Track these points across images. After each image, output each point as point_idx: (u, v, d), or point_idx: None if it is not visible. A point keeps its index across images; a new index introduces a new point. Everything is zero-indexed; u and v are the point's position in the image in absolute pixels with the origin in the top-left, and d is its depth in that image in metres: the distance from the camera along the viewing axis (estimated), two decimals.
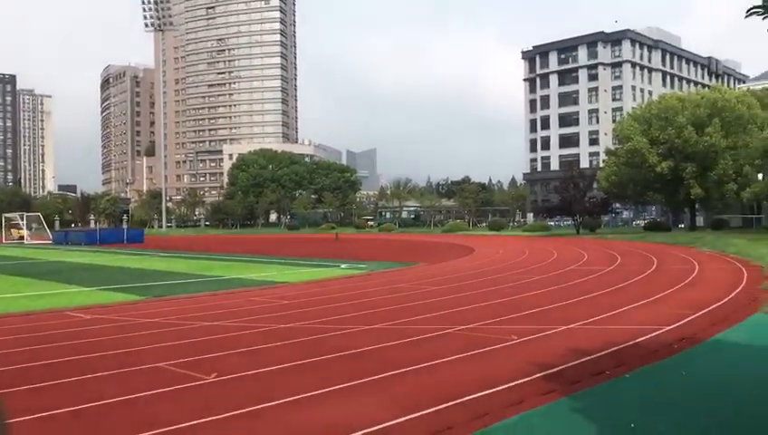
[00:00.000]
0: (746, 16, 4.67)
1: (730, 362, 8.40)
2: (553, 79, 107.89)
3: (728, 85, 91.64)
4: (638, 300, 13.89)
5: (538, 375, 7.55)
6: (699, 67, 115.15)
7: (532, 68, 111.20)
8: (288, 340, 10.32)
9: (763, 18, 4.62)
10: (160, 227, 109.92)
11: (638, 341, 9.52)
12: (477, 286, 17.49)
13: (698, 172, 45.54)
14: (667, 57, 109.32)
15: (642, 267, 22.26)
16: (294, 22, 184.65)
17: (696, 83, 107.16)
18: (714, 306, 12.78)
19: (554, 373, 7.66)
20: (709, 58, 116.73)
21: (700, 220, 56.49)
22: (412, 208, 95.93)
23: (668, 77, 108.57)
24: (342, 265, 26.53)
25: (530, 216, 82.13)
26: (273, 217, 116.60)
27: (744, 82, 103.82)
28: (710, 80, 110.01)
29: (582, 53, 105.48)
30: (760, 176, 33.06)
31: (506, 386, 7.11)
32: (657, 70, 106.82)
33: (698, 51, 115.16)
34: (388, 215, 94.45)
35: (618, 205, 60.05)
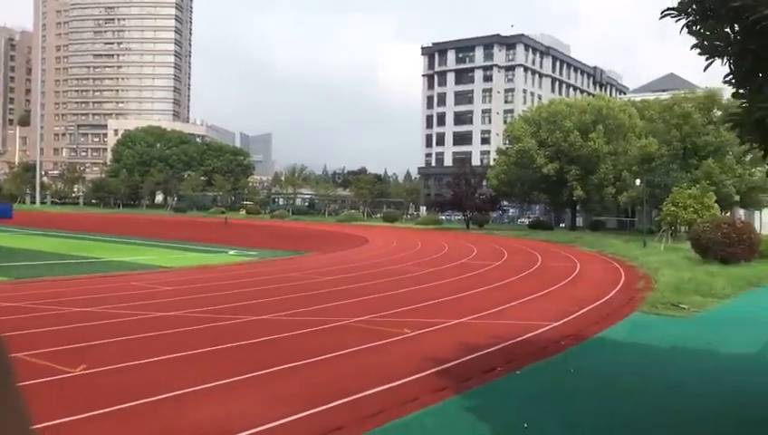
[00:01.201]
0: (661, 17, 4.60)
1: (613, 359, 8.62)
2: (451, 77, 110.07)
3: (610, 95, 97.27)
4: (525, 295, 14.19)
5: (431, 371, 7.37)
6: (586, 76, 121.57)
7: (431, 64, 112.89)
8: (169, 329, 9.59)
9: (676, 21, 4.57)
10: (33, 202, 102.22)
11: (527, 336, 9.61)
12: (371, 277, 17.29)
13: (581, 175, 47.99)
14: (557, 64, 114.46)
15: (528, 263, 22.98)
16: None
17: (582, 91, 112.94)
18: (596, 304, 13.26)
19: (447, 369, 7.51)
20: (595, 68, 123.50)
21: (579, 221, 59.66)
22: (307, 196, 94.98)
23: (557, 83, 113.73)
24: (231, 252, 25.57)
25: (423, 209, 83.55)
26: (159, 198, 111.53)
27: (624, 93, 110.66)
28: (595, 89, 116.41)
29: (479, 54, 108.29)
30: (638, 181, 35.22)
31: (400, 382, 6.86)
32: (547, 75, 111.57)
33: (585, 60, 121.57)
34: (281, 201, 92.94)
35: (505, 202, 62.23)
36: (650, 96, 66.47)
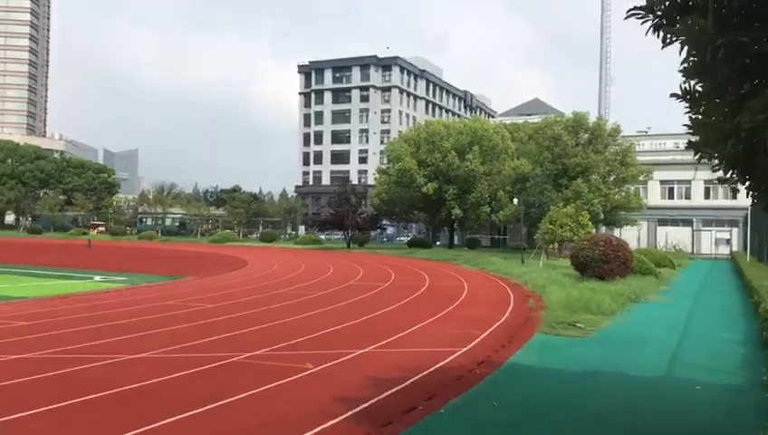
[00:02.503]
0: (626, 18, 4.12)
1: (532, 388, 8.16)
2: (328, 96, 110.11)
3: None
4: (423, 318, 13.64)
5: (346, 415, 6.49)
6: (457, 99, 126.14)
7: (308, 83, 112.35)
8: (20, 377, 7.99)
9: (642, 22, 4.10)
10: None
11: (439, 366, 8.98)
12: (258, 304, 16.06)
13: (459, 194, 49.06)
14: (431, 87, 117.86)
15: (417, 283, 22.64)
16: (49, 3, 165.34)
17: (454, 114, 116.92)
18: (495, 325, 12.96)
19: (363, 411, 6.67)
20: (465, 92, 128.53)
21: (455, 239, 61.04)
22: (177, 216, 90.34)
23: (431, 105, 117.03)
24: (97, 277, 23.24)
25: (301, 228, 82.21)
26: (9, 218, 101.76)
27: (492, 117, 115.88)
28: (465, 112, 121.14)
29: (356, 75, 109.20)
30: (515, 200, 36.43)
31: (314, 433, 5.92)
32: (421, 97, 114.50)
33: (457, 84, 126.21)
34: (149, 221, 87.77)
35: (386, 221, 62.46)
36: (519, 120, 69.91)
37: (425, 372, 8.52)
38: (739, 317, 15.27)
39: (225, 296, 17.69)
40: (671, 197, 62.94)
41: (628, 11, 4.11)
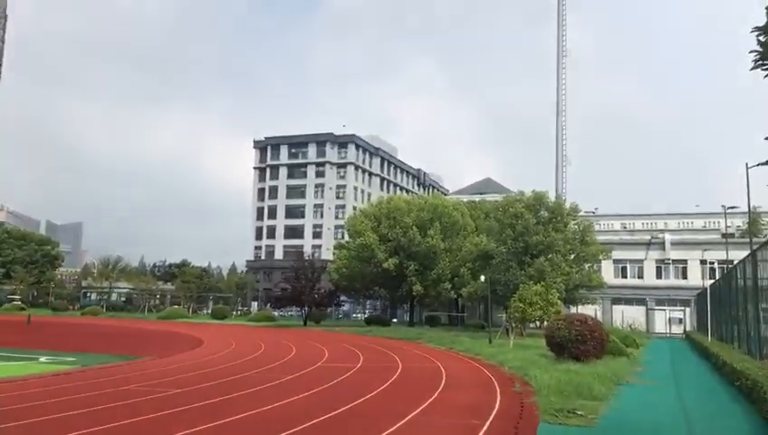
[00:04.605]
0: (752, 69, 3.66)
1: None
2: (283, 171, 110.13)
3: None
4: (414, 405, 12.64)
5: None
6: (411, 177, 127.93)
7: (263, 158, 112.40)
8: None
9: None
10: None
11: None
12: (228, 388, 14.70)
13: (420, 270, 48.58)
14: (386, 164, 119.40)
15: (389, 364, 21.58)
16: None
17: (407, 191, 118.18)
18: (493, 414, 12.07)
19: None
20: (419, 170, 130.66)
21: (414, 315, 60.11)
22: (123, 290, 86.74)
23: (386, 182, 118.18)
24: (42, 359, 21.30)
25: (254, 304, 79.88)
26: None
27: (446, 195, 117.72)
28: (419, 189, 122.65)
29: (312, 151, 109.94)
30: (482, 278, 36.11)
31: None
32: (376, 174, 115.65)
33: (410, 162, 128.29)
34: (93, 296, 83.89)
35: (344, 297, 61.19)
36: (473, 198, 70.89)
37: None
38: (730, 403, 14.77)
39: (192, 380, 16.24)
40: (624, 276, 63.95)
41: (754, 64, 3.66)
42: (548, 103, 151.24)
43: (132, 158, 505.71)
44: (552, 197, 45.30)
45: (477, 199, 66.08)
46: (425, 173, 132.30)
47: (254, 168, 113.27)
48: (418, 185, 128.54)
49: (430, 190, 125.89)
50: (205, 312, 75.50)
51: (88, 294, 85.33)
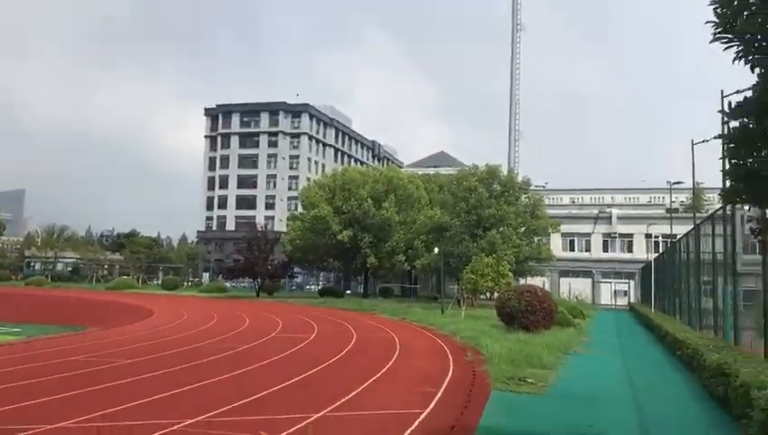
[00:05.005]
0: (711, 42, 3.72)
1: None
2: (235, 140, 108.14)
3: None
4: (368, 374, 12.76)
5: None
6: (365, 148, 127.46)
7: (214, 126, 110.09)
8: None
9: (726, 48, 3.71)
10: None
11: (410, 432, 8.15)
12: (182, 359, 14.54)
13: (374, 242, 48.71)
14: (340, 135, 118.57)
15: (344, 335, 21.69)
16: None
17: (362, 163, 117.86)
18: (446, 382, 12.29)
19: None
20: (373, 142, 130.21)
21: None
22: (70, 260, 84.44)
23: (340, 154, 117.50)
24: None
25: (205, 275, 78.92)
26: None
27: (400, 168, 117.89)
28: (373, 161, 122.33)
29: (265, 120, 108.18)
30: (436, 250, 36.43)
31: None
32: (330, 145, 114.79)
33: (365, 134, 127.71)
34: (38, 266, 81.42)
35: (298, 269, 60.96)
36: (430, 171, 71.14)
37: None
38: (672, 371, 15.38)
39: (141, 350, 16.00)
40: (572, 249, 65.57)
41: (714, 35, 3.72)
42: (502, 78, 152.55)
43: (77, 123, 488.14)
44: (504, 171, 45.90)
45: (432, 172, 66.34)
46: (380, 145, 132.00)
47: (206, 136, 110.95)
48: (373, 157, 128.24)
49: (385, 163, 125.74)
50: (155, 282, 74.28)
51: (32, 264, 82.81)
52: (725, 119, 4.74)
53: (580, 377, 13.96)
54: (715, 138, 4.46)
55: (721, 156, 4.68)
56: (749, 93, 4.43)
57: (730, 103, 4.69)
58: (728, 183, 4.99)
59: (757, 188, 4.51)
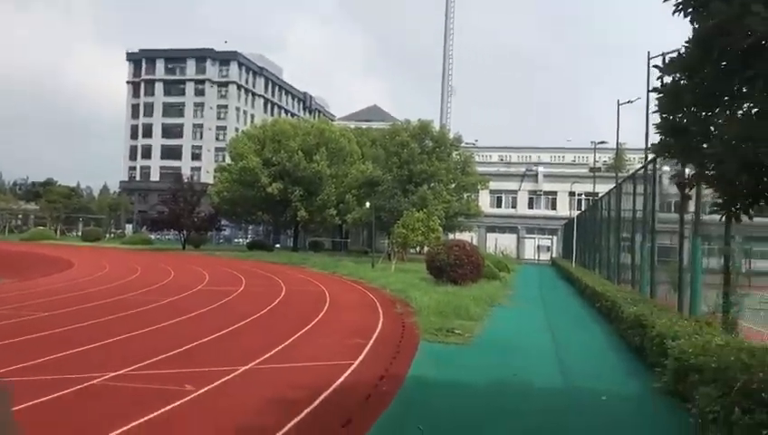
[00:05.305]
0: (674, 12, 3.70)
1: (449, 406, 7.56)
2: (159, 87, 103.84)
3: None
4: (298, 327, 12.70)
5: None
6: (296, 100, 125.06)
7: (137, 72, 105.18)
8: None
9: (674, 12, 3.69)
10: None
11: (339, 382, 8.17)
12: (102, 312, 14.04)
13: (305, 196, 48.23)
14: (270, 85, 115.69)
15: (273, 288, 21.52)
16: None
17: (293, 114, 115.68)
18: (376, 333, 12.39)
19: None
20: (305, 93, 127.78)
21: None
22: None
23: (270, 104, 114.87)
24: None
25: (128, 227, 76.41)
26: None
27: (332, 120, 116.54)
28: (305, 113, 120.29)
29: (191, 67, 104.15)
30: (367, 204, 36.39)
31: None
32: (260, 96, 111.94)
33: (296, 85, 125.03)
34: None
35: (225, 222, 59.88)
36: (359, 125, 70.67)
37: (328, 392, 7.66)
38: (592, 323, 16.06)
39: (60, 303, 15.35)
40: (499, 205, 67.14)
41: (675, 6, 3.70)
42: (437, 33, 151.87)
43: None
44: (437, 127, 46.08)
45: (364, 126, 65.91)
46: (311, 97, 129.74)
47: (128, 82, 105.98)
48: (304, 109, 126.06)
49: (316, 115, 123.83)
50: (74, 234, 71.39)
51: None
52: (660, 74, 4.77)
53: (505, 328, 14.37)
54: (650, 91, 4.52)
55: (653, 111, 4.72)
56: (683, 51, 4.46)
57: (664, 58, 4.71)
58: (658, 138, 5.06)
59: (686, 143, 4.58)
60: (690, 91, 4.25)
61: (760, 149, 3.16)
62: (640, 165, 19.16)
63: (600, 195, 30.72)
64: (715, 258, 11.40)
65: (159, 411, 6.52)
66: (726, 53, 3.67)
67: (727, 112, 3.82)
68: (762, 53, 3.29)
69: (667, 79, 4.66)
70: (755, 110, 3.57)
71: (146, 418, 6.27)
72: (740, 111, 3.79)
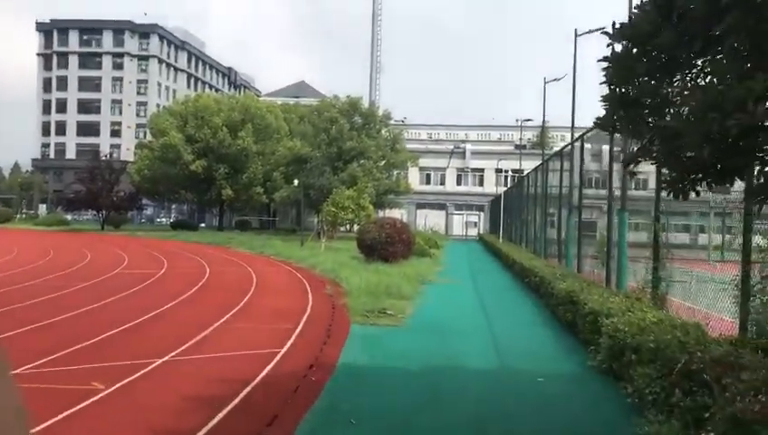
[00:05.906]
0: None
1: (382, 394, 7.17)
2: (74, 60, 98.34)
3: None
4: (222, 312, 12.03)
5: None
6: (221, 75, 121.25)
7: (48, 43, 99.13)
8: None
9: None
10: None
11: (266, 373, 7.64)
12: (8, 299, 12.90)
13: (230, 174, 46.77)
14: (193, 60, 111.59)
15: (197, 270, 20.62)
16: None
17: (217, 90, 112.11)
18: (305, 317, 11.88)
19: None
20: (230, 68, 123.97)
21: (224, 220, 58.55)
22: None
23: (193, 79, 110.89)
24: None
25: (42, 207, 72.42)
26: None
27: (258, 96, 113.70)
28: (229, 89, 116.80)
29: (108, 39, 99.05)
30: (296, 182, 35.46)
31: None
32: (182, 70, 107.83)
33: (220, 60, 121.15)
34: None
35: (147, 201, 57.49)
36: (287, 101, 69.14)
37: (253, 384, 7.12)
38: (524, 298, 16.11)
39: None
40: (428, 182, 67.44)
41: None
42: (365, 7, 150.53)
43: None
44: (366, 103, 45.46)
45: (292, 103, 64.47)
46: (236, 72, 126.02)
47: (38, 54, 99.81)
48: (229, 84, 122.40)
49: (241, 90, 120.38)
50: None
51: None
52: (609, 42, 4.42)
53: (437, 307, 14.17)
54: (599, 60, 4.19)
55: (601, 82, 4.37)
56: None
57: (614, 24, 4.37)
58: (603, 112, 4.72)
59: (636, 115, 4.25)
60: (644, 59, 3.91)
61: (727, 120, 2.84)
62: (564, 143, 19.30)
63: (525, 172, 31.07)
64: (635, 232, 11.46)
65: (60, 416, 5.82)
66: (687, 16, 3.34)
67: (688, 81, 3.51)
68: (729, 10, 2.96)
69: (618, 49, 4.33)
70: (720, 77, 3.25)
71: (43, 425, 5.56)
72: (701, 81, 3.49)
